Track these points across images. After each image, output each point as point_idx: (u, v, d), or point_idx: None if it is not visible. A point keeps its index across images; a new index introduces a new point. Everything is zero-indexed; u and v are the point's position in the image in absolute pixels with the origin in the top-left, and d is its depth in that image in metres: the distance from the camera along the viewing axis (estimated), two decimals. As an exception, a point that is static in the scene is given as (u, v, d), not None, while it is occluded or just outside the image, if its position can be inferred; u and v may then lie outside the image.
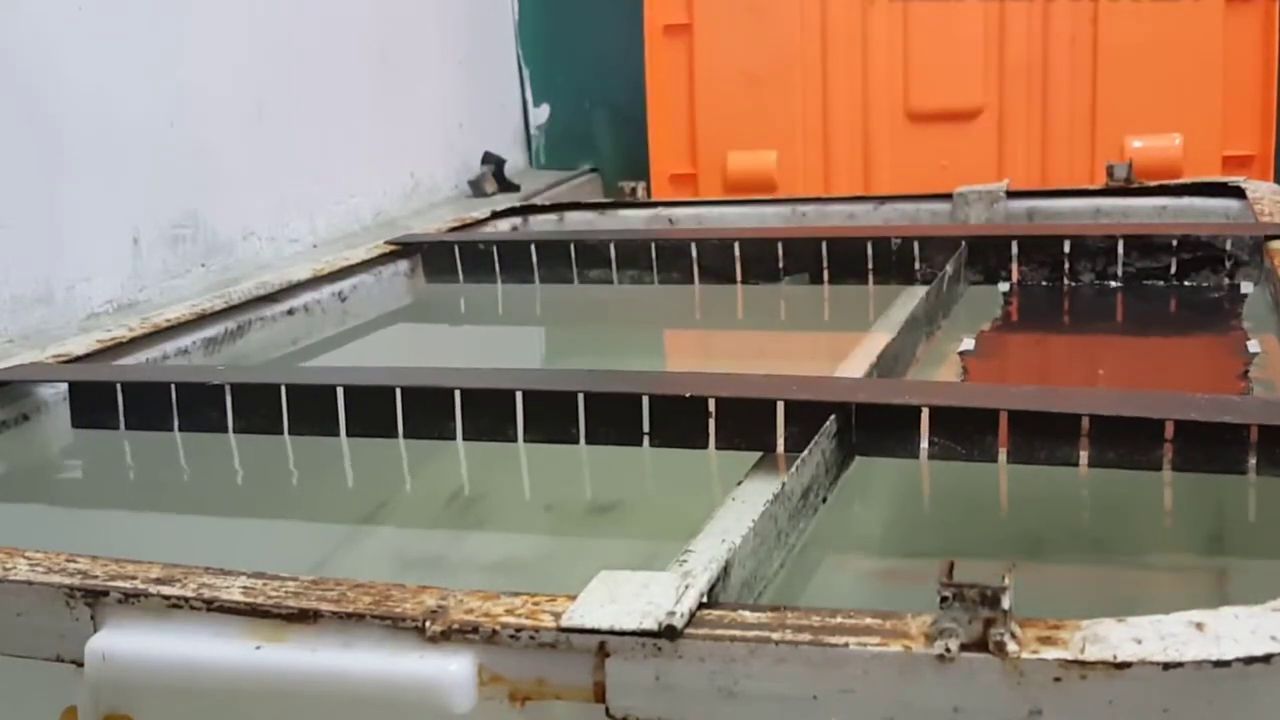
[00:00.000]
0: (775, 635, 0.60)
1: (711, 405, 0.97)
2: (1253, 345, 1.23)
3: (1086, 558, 0.96)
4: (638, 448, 1.00)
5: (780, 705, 0.60)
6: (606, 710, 0.62)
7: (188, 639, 0.68)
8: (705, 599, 0.65)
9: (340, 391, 1.07)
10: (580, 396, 1.01)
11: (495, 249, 1.73)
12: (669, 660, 0.61)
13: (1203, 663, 0.55)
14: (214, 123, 2.30)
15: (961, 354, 1.27)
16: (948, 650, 0.57)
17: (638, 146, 3.11)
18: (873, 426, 0.94)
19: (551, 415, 1.02)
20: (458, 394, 1.04)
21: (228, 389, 1.10)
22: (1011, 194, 1.83)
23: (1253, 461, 0.87)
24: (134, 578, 0.71)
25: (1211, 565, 0.95)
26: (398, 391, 1.06)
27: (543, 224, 1.99)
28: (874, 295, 1.54)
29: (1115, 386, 1.22)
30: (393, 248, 1.75)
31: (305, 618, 0.66)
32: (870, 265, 1.57)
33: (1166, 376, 1.30)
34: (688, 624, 0.62)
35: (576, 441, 1.02)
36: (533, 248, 1.72)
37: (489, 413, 1.04)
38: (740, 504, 0.82)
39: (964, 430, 0.92)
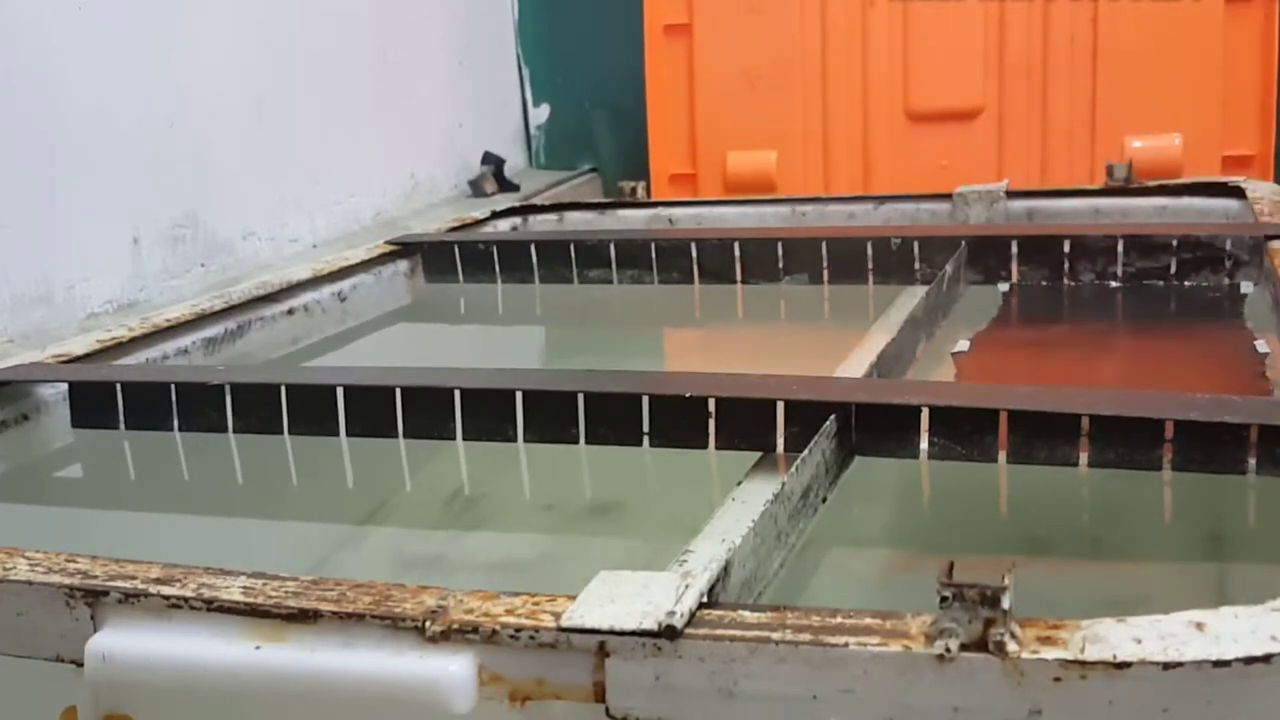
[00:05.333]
0: (775, 635, 0.60)
1: (711, 405, 0.97)
2: (1260, 345, 1.23)
3: (1086, 558, 0.96)
4: (638, 448, 1.00)
5: (780, 705, 0.60)
6: (606, 710, 0.62)
7: (188, 639, 0.68)
8: (705, 599, 0.65)
9: (340, 391, 1.07)
10: (580, 396, 1.01)
11: (495, 249, 1.73)
12: (669, 660, 0.61)
13: (1203, 663, 0.55)
14: (214, 123, 2.30)
15: (955, 355, 1.27)
16: (948, 650, 0.57)
17: (638, 146, 3.11)
18: (873, 426, 0.94)
19: (551, 415, 1.02)
20: (458, 394, 1.04)
21: (228, 389, 1.10)
22: (1011, 194, 1.83)
23: (1253, 461, 0.87)
24: (134, 578, 0.71)
25: (1211, 565, 0.95)
26: (398, 391, 1.06)
27: (542, 224, 1.99)
28: (874, 295, 1.54)
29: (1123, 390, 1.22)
30: (392, 248, 1.75)
31: (305, 618, 0.66)
32: (870, 265, 1.57)
33: (1179, 378, 1.29)
34: (688, 624, 0.62)
35: (576, 441, 1.02)
36: (532, 248, 1.72)
37: (489, 413, 1.04)
38: (740, 504, 0.82)
39: (964, 430, 0.92)
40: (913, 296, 1.39)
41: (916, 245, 1.56)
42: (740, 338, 1.66)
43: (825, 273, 1.60)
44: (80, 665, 0.69)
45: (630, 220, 1.96)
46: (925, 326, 1.33)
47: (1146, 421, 0.88)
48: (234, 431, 1.11)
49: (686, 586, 0.65)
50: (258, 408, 1.10)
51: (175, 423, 1.13)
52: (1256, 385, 1.14)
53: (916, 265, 1.55)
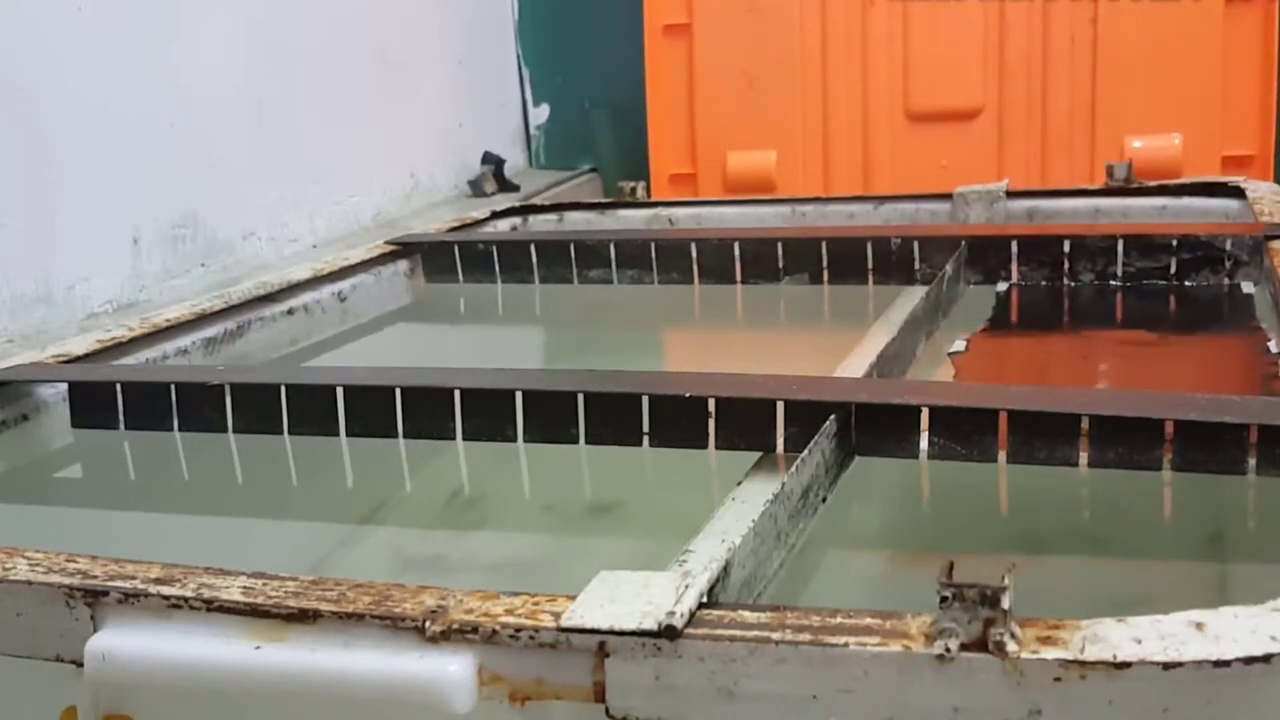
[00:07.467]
0: (775, 635, 0.60)
1: (711, 405, 0.97)
2: (1273, 346, 1.23)
3: (1086, 558, 0.96)
4: (638, 448, 1.00)
5: (780, 705, 0.60)
6: (606, 710, 0.62)
7: (187, 639, 0.68)
8: (705, 599, 0.65)
9: (340, 391, 1.07)
10: (580, 396, 1.01)
11: (495, 249, 1.73)
12: (669, 660, 0.61)
13: (1203, 663, 0.55)
14: (214, 123, 2.30)
15: (951, 355, 1.27)
16: (947, 650, 0.57)
17: (638, 146, 3.11)
18: (873, 426, 0.94)
19: (551, 415, 1.02)
20: (458, 394, 1.04)
21: (227, 389, 1.10)
22: (1011, 194, 1.83)
23: (1253, 461, 0.87)
24: (134, 578, 0.71)
25: (1211, 565, 0.95)
26: (398, 391, 1.06)
27: (542, 224, 1.99)
28: (874, 295, 1.54)
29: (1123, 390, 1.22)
30: (392, 248, 1.75)
31: (305, 618, 0.66)
32: (870, 265, 1.57)
33: (1191, 380, 1.29)
34: (688, 624, 0.62)
35: (576, 441, 1.02)
36: (532, 248, 1.72)
37: (489, 413, 1.04)
38: (740, 504, 0.82)
39: (964, 430, 0.92)
40: (913, 296, 1.39)
41: (916, 245, 1.55)
42: (740, 338, 1.66)
43: (825, 273, 1.60)
44: (80, 665, 0.69)
45: (630, 220, 1.96)
46: (925, 326, 1.33)
47: (1146, 421, 0.88)
48: (234, 431, 1.11)
49: (686, 586, 0.65)
50: (258, 408, 1.10)
51: (175, 423, 1.13)
52: (1271, 387, 1.14)
53: (916, 265, 1.55)
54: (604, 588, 0.65)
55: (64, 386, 1.19)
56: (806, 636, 0.60)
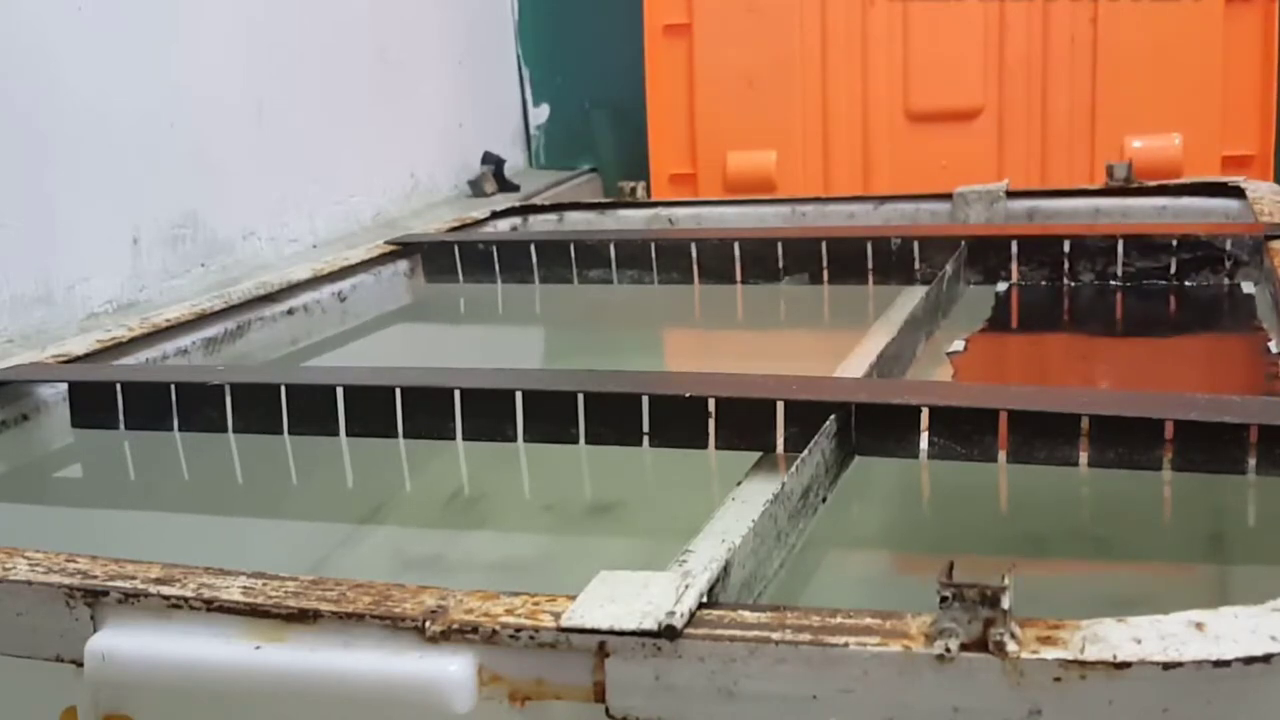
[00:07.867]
0: (775, 635, 0.60)
1: (711, 405, 0.97)
2: (1273, 345, 1.23)
3: (1086, 558, 0.96)
4: (638, 448, 1.00)
5: (780, 705, 0.60)
6: (606, 710, 0.62)
7: (187, 639, 0.68)
8: (705, 599, 0.65)
9: (340, 391, 1.07)
10: (580, 396, 1.01)
11: (495, 249, 1.73)
12: (669, 660, 0.61)
13: (1203, 663, 0.55)
14: (214, 123, 2.30)
15: (951, 355, 1.27)
16: (947, 650, 0.57)
17: (638, 146, 3.11)
18: (872, 426, 0.94)
19: (551, 415, 1.02)
20: (458, 394, 1.04)
21: (227, 389, 1.10)
22: (1011, 194, 1.83)
23: (1253, 461, 0.87)
24: (134, 578, 0.71)
25: (1211, 565, 0.95)
26: (398, 391, 1.06)
27: (542, 224, 1.99)
28: (874, 295, 1.54)
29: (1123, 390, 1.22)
30: (393, 248, 1.75)
31: (305, 618, 0.66)
32: (870, 265, 1.57)
33: (1193, 380, 1.29)
34: (688, 624, 0.62)
35: (576, 441, 1.02)
36: (532, 248, 1.72)
37: (489, 413, 1.04)
38: (740, 504, 0.82)
39: (964, 430, 0.92)
40: (913, 296, 1.39)
41: (916, 245, 1.55)
42: (740, 338, 1.66)
43: (825, 273, 1.60)
44: (80, 665, 0.69)
45: (630, 220, 1.96)
46: (925, 326, 1.33)
47: (1146, 421, 0.88)
48: (234, 431, 1.11)
49: (686, 586, 0.65)
50: (258, 408, 1.10)
51: (175, 423, 1.13)
52: (1271, 387, 1.14)
53: (916, 265, 1.55)
54: (604, 588, 0.65)
55: (64, 386, 1.19)
56: (806, 636, 0.60)
